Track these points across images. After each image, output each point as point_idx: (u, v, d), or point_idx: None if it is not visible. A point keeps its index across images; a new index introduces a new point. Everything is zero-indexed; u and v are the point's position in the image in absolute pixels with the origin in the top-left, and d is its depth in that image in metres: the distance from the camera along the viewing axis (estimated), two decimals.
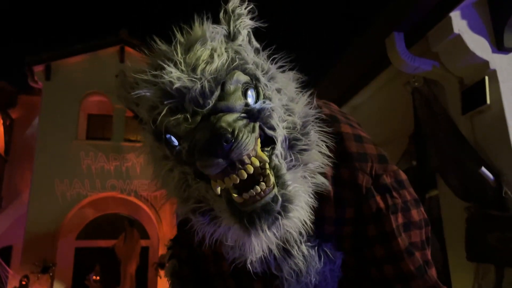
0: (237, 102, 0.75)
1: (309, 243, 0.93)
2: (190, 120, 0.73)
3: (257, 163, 0.72)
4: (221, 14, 0.86)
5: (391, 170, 0.98)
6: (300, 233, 0.89)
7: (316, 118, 0.89)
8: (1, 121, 11.28)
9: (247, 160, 0.70)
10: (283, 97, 0.83)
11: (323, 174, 0.88)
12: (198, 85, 0.72)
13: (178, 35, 0.80)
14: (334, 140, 0.91)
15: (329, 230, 0.95)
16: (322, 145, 0.87)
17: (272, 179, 0.74)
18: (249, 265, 0.85)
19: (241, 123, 0.72)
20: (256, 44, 0.90)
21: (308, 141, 0.83)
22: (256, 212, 0.73)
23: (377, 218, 0.94)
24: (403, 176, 1.01)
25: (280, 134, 0.79)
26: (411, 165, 4.28)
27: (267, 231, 0.74)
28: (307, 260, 0.92)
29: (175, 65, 0.74)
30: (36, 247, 9.48)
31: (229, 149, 0.68)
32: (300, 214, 0.78)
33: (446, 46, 3.38)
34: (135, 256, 9.34)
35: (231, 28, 0.83)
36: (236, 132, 0.68)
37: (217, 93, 0.74)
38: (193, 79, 0.73)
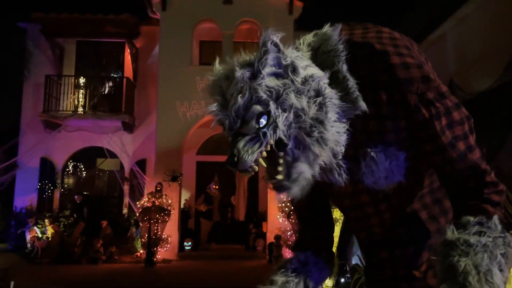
0: (251, 128, 1.12)
1: (376, 149, 1.31)
2: (228, 135, 1.16)
3: (256, 168, 1.12)
4: (254, 51, 1.19)
5: (433, 87, 1.28)
6: (369, 144, 1.30)
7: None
8: (128, 51, 12.40)
9: (249, 169, 1.11)
10: (291, 112, 1.14)
11: (379, 100, 1.26)
12: (228, 119, 1.13)
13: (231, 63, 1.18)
14: (385, 71, 1.26)
15: (391, 138, 1.32)
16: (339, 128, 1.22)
17: (280, 171, 1.16)
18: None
19: (248, 145, 1.10)
20: (286, 61, 1.16)
21: (319, 131, 1.18)
22: (275, 186, 1.18)
23: (424, 125, 1.27)
24: (444, 88, 1.31)
25: (289, 136, 1.14)
26: None
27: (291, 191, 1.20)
28: (375, 161, 1.31)
29: (218, 102, 1.16)
30: (165, 160, 10.74)
31: (236, 166, 1.10)
32: (303, 181, 1.19)
33: None
34: None
35: (255, 68, 1.12)
36: (240, 155, 1.09)
37: (238, 123, 1.13)
38: (225, 115, 1.14)
